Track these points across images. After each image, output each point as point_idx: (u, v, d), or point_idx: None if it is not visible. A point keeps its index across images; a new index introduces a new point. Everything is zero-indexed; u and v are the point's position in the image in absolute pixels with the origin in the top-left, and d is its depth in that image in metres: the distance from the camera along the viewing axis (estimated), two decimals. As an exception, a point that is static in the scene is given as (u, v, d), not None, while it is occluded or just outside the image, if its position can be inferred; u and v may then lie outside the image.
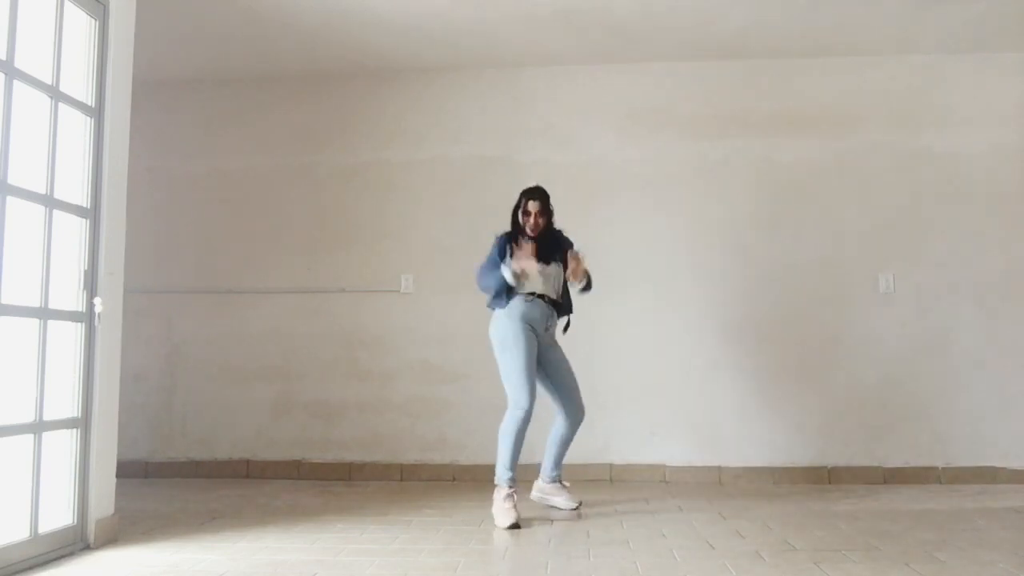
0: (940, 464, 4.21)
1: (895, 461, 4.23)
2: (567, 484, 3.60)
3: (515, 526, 3.10)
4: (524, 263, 3.35)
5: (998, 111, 4.44)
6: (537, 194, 3.47)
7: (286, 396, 4.57)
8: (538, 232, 3.44)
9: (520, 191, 3.51)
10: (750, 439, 4.31)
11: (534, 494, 3.60)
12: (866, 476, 4.20)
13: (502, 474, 3.27)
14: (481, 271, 3.46)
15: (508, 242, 3.46)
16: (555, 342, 3.51)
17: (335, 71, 4.68)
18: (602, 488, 4.06)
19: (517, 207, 3.50)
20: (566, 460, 3.60)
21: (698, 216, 4.49)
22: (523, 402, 3.26)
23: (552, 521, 3.23)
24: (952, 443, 4.22)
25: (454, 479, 4.30)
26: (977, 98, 4.45)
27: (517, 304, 3.35)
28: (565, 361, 3.52)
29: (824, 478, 4.22)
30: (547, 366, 3.48)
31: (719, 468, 4.29)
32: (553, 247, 3.45)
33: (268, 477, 4.45)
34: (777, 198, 4.48)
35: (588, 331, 4.40)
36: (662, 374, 4.39)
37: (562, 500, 3.51)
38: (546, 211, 3.46)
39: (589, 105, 4.62)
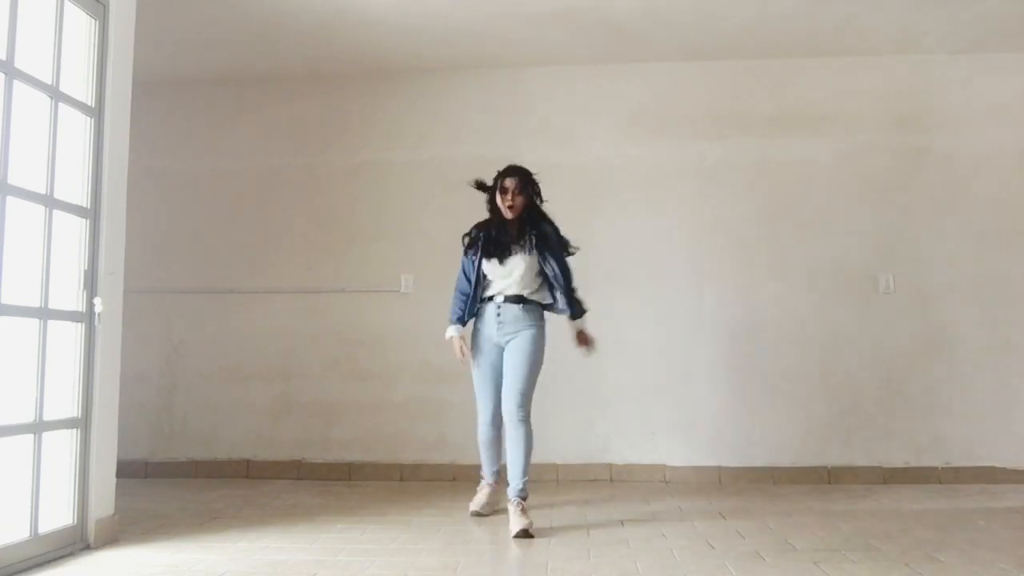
0: (940, 464, 4.21)
1: (895, 461, 4.23)
2: (513, 501, 3.08)
3: (476, 513, 3.25)
4: (459, 350, 3.29)
5: (998, 111, 4.43)
6: (515, 171, 3.22)
7: (286, 396, 4.57)
8: (517, 213, 3.21)
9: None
10: (750, 439, 4.31)
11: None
12: (866, 476, 4.20)
13: (484, 472, 3.44)
14: (453, 296, 3.35)
15: (479, 241, 3.25)
16: (521, 339, 3.19)
17: (335, 71, 4.68)
18: (602, 488, 4.06)
19: (493, 191, 3.25)
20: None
21: (698, 216, 4.49)
22: (480, 414, 3.35)
23: (552, 521, 3.23)
24: (952, 443, 4.22)
25: (454, 479, 4.30)
26: (977, 98, 4.45)
27: (475, 319, 3.35)
28: (514, 359, 3.17)
29: (824, 478, 4.22)
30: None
31: (719, 468, 4.29)
32: (527, 233, 3.22)
33: (268, 477, 4.45)
34: (777, 198, 4.48)
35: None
36: (662, 374, 4.39)
37: (512, 518, 3.00)
38: (525, 191, 3.21)
39: (589, 105, 4.62)
